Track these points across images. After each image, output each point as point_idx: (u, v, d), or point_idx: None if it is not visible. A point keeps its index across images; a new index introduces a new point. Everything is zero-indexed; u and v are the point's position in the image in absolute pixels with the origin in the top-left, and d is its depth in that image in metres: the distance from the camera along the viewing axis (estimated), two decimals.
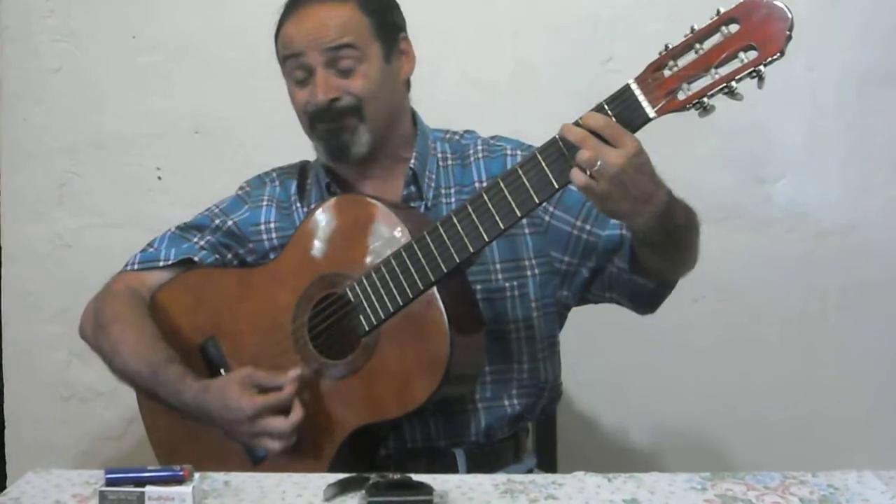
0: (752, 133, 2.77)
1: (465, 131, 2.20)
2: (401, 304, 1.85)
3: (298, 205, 2.16)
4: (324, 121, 2.02)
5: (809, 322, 2.85)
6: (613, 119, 1.66)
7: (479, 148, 2.13)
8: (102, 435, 3.01)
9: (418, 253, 1.83)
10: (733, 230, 2.81)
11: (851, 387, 2.84)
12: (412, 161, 2.09)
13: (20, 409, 3.05)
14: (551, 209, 2.03)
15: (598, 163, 1.63)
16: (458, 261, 1.81)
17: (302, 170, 2.23)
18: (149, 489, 1.53)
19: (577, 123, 1.68)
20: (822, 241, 2.83)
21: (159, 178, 2.94)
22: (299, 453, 1.93)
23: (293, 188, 2.19)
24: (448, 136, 2.18)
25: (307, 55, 2.00)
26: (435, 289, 1.83)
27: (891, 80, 2.77)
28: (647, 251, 1.88)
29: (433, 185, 2.10)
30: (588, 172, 1.64)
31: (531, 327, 2.08)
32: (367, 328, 1.89)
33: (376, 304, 1.87)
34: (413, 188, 2.09)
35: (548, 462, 2.24)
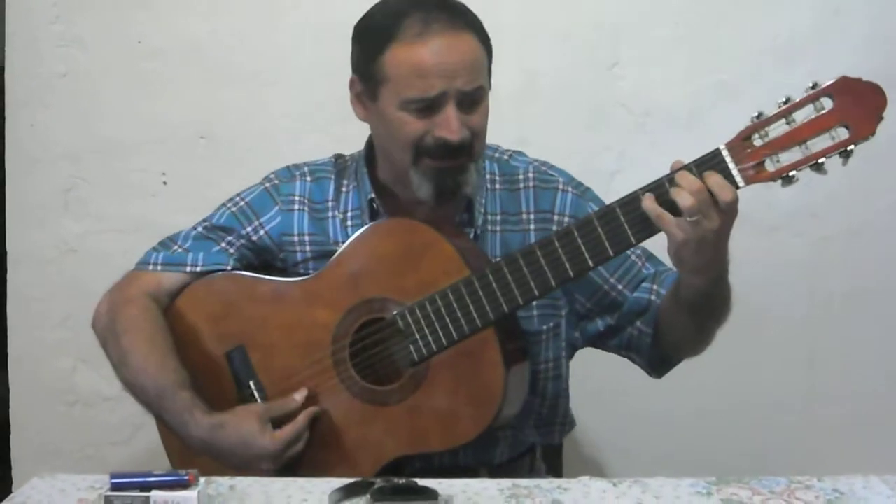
0: None
1: (515, 151, 2.12)
2: (455, 338, 1.83)
3: (336, 211, 2.06)
4: (443, 158, 1.88)
5: (815, 326, 2.85)
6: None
7: (531, 175, 2.06)
8: (108, 440, 3.01)
9: (479, 291, 1.81)
10: (738, 234, 2.77)
11: (857, 391, 2.83)
12: (468, 188, 1.96)
13: (26, 414, 3.05)
14: None
15: (698, 217, 1.65)
16: (521, 303, 1.81)
17: (337, 167, 2.12)
18: (154, 494, 1.53)
19: (691, 171, 1.67)
20: (827, 245, 2.83)
21: (164, 183, 2.94)
22: (332, 476, 1.91)
23: (331, 190, 2.08)
24: (497, 154, 2.11)
25: (444, 91, 1.84)
26: (493, 328, 1.82)
27: (893, 86, 2.77)
28: (683, 318, 1.88)
29: (483, 210, 2.03)
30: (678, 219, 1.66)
31: (559, 367, 2.08)
32: (416, 358, 1.86)
33: (429, 335, 1.85)
34: (466, 215, 2.02)
35: (553, 466, 2.24)
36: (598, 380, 2.71)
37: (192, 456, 1.98)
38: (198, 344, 2.06)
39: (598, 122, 2.82)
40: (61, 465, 2.94)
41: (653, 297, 2.00)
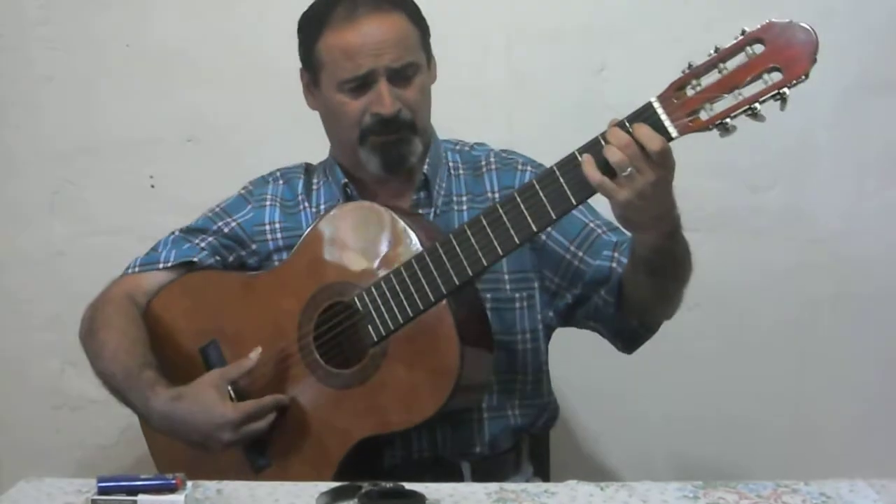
0: (744, 141, 2.76)
1: (476, 143, 2.21)
2: (411, 315, 1.84)
3: (306, 204, 2.15)
4: (383, 133, 2.00)
5: (802, 329, 2.85)
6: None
7: (492, 160, 2.14)
8: (95, 443, 3.00)
9: (430, 265, 1.83)
10: (726, 238, 2.81)
11: (844, 394, 2.84)
12: (425, 167, 2.09)
13: (12, 417, 3.04)
14: (549, 229, 2.02)
15: (630, 170, 1.64)
16: (470, 274, 1.81)
17: (307, 170, 2.22)
18: (141, 498, 1.53)
19: (622, 126, 1.67)
20: (815, 249, 2.83)
21: (152, 185, 2.93)
22: (304, 463, 1.94)
23: (300, 187, 2.17)
24: (458, 147, 2.19)
25: (372, 69, 1.97)
26: (446, 301, 1.83)
27: (883, 88, 2.77)
28: (641, 277, 1.88)
29: (443, 192, 2.10)
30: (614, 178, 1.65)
31: (537, 339, 2.10)
32: (375, 339, 1.88)
33: (385, 314, 1.86)
34: (423, 194, 2.09)
35: (541, 471, 2.24)
36: (584, 383, 2.72)
37: (175, 454, 2.02)
38: (175, 341, 2.10)
39: (586, 125, 2.79)
40: (48, 468, 2.91)
41: (614, 265, 2.00)
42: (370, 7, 1.99)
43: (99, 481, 1.56)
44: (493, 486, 1.67)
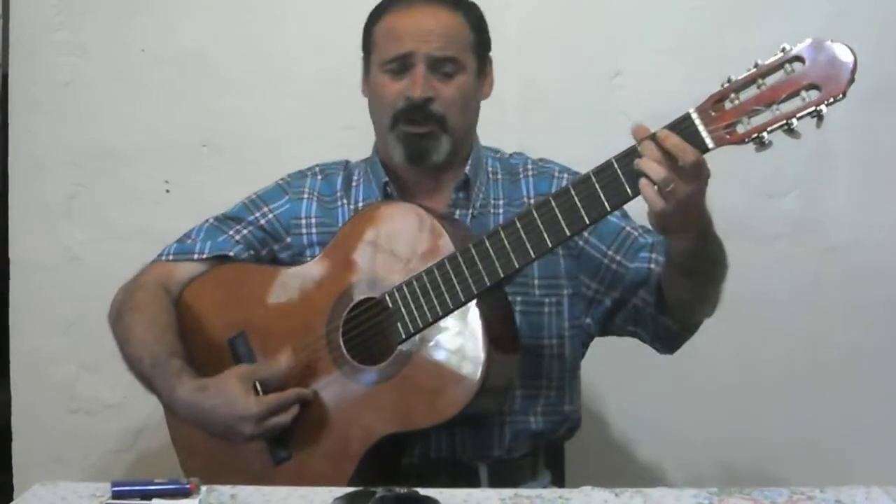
0: None
1: (514, 153, 2.24)
2: (440, 314, 1.86)
3: (345, 201, 2.16)
4: (411, 123, 2.03)
5: (818, 338, 2.84)
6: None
7: (529, 167, 2.17)
8: (110, 447, 3.00)
9: (462, 265, 1.84)
10: (741, 245, 2.77)
11: (860, 402, 2.83)
12: (467, 167, 2.11)
13: (28, 421, 3.04)
14: (586, 235, 2.05)
15: (672, 185, 1.65)
16: (502, 275, 1.82)
17: (346, 167, 2.23)
18: (155, 502, 1.53)
19: (653, 138, 1.68)
20: (831, 257, 2.82)
21: (167, 190, 2.94)
22: (325, 457, 1.95)
23: (339, 183, 2.19)
24: (498, 155, 2.22)
25: (412, 52, 2.01)
26: (475, 302, 1.84)
27: None
28: (679, 280, 1.90)
29: (482, 195, 2.12)
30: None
31: (563, 345, 2.10)
32: (403, 336, 1.89)
33: (415, 312, 1.88)
34: (462, 194, 2.11)
35: (556, 477, 2.24)
36: (599, 390, 2.72)
37: (196, 444, 2.04)
38: (204, 332, 2.11)
39: (600, 131, 2.81)
40: (63, 472, 2.94)
41: (652, 266, 2.02)
42: (429, 1, 2.06)
43: (113, 486, 1.56)
44: (507, 492, 1.67)
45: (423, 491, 1.61)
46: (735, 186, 2.78)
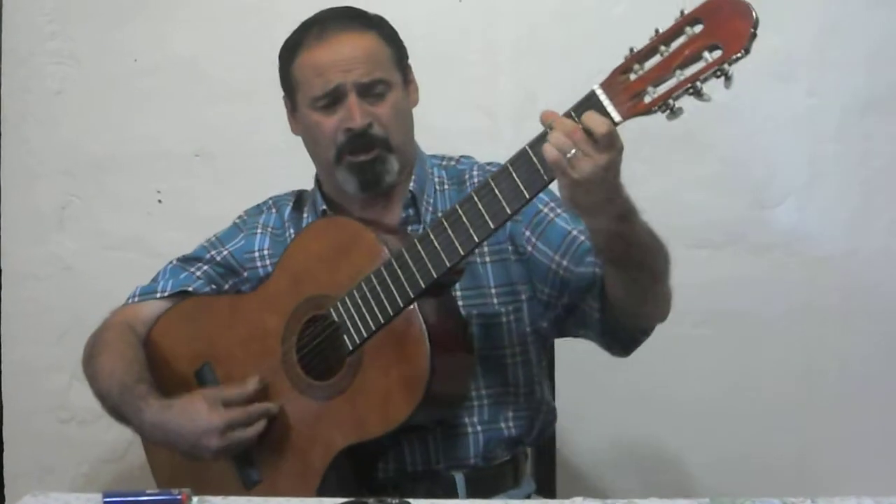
0: (752, 157, 2.77)
1: (462, 156, 2.22)
2: (382, 321, 1.86)
3: (292, 231, 2.17)
4: (356, 152, 2.02)
5: (810, 347, 2.84)
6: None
7: (475, 172, 2.14)
8: (102, 457, 3.00)
9: (398, 270, 1.84)
10: (734, 255, 2.81)
11: (852, 412, 2.83)
12: (411, 184, 2.10)
13: (20, 431, 3.04)
14: (534, 240, 2.04)
15: (574, 151, 1.62)
16: (435, 275, 1.82)
17: (298, 198, 2.24)
18: None
19: (569, 116, 1.67)
20: (823, 266, 2.82)
21: (159, 200, 2.94)
22: (290, 476, 1.96)
23: (287, 212, 2.21)
24: (444, 162, 2.20)
25: (339, 84, 2.00)
26: (416, 306, 1.84)
27: (890, 105, 2.77)
28: (612, 273, 1.88)
29: (430, 208, 2.11)
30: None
31: (526, 351, 2.09)
32: (350, 347, 1.90)
33: (359, 322, 1.88)
34: (411, 211, 2.11)
35: (547, 489, 2.23)
36: (589, 399, 2.71)
37: (174, 470, 2.06)
38: (172, 367, 2.13)
39: None
40: (55, 482, 2.94)
41: (597, 270, 1.98)
42: (340, 27, 2.04)
43: (105, 496, 1.56)
44: (496, 502, 1.66)
45: (414, 502, 1.60)
46: (727, 197, 2.79)
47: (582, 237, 2.02)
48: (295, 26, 2.12)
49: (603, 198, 1.69)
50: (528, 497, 2.10)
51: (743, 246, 2.82)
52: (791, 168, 2.80)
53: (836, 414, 2.83)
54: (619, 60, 2.72)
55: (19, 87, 2.96)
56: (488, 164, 2.16)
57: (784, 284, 2.83)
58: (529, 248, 2.06)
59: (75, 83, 2.94)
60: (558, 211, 2.04)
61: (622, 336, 2.01)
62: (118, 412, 2.06)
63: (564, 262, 2.03)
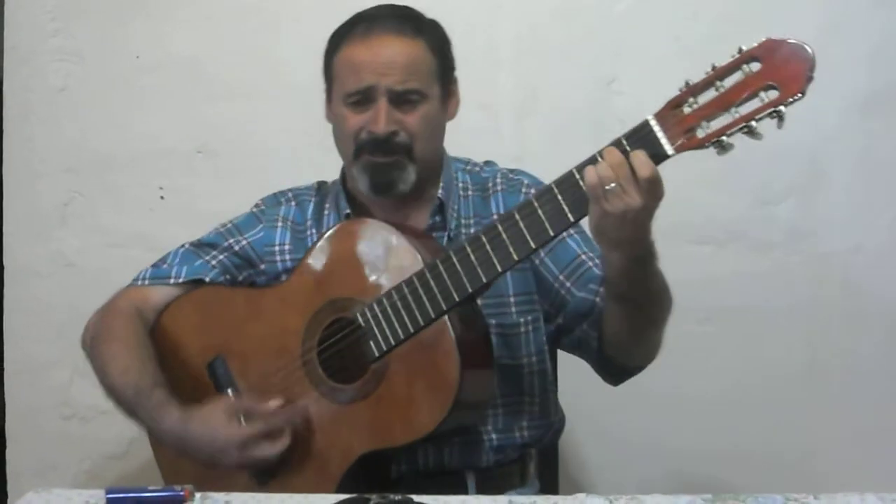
0: (755, 155, 2.76)
1: (486, 162, 2.21)
2: (411, 331, 1.85)
3: (314, 230, 2.15)
4: (375, 153, 2.00)
5: (813, 343, 2.84)
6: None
7: (499, 181, 2.14)
8: (104, 454, 3.00)
9: (431, 282, 1.83)
10: (737, 252, 2.81)
11: (856, 408, 2.83)
12: (440, 191, 2.09)
13: (22, 427, 3.04)
14: (542, 255, 2.04)
15: (613, 185, 1.63)
16: (470, 290, 1.81)
17: (319, 192, 2.22)
18: None
19: (619, 145, 1.67)
20: (826, 262, 2.82)
21: (162, 197, 2.94)
22: (306, 477, 1.94)
23: (310, 211, 2.18)
24: (469, 167, 2.19)
25: (372, 86, 1.98)
26: (447, 318, 1.83)
27: (892, 102, 2.77)
28: (612, 308, 1.88)
29: (455, 215, 2.10)
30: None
31: (543, 360, 2.10)
32: (376, 354, 1.88)
33: (387, 330, 1.87)
34: (438, 218, 2.09)
35: (550, 487, 2.23)
36: (592, 397, 2.71)
37: (181, 467, 2.02)
38: (182, 356, 2.10)
39: (596, 138, 2.79)
40: (57, 479, 2.94)
41: (598, 300, 1.98)
42: (387, 28, 2.01)
43: (107, 492, 1.56)
44: (502, 499, 1.67)
45: (417, 498, 1.60)
46: (730, 194, 2.79)
47: (590, 263, 2.03)
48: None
49: (629, 236, 1.70)
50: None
51: (746, 243, 2.82)
52: (794, 166, 2.79)
53: (839, 410, 2.83)
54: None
55: (22, 84, 2.96)
56: (511, 171, 2.17)
57: (787, 281, 2.83)
58: (536, 263, 2.06)
59: (78, 81, 2.94)
60: (572, 231, 2.02)
61: (611, 369, 2.03)
62: (129, 410, 2.03)
63: (567, 284, 2.03)
